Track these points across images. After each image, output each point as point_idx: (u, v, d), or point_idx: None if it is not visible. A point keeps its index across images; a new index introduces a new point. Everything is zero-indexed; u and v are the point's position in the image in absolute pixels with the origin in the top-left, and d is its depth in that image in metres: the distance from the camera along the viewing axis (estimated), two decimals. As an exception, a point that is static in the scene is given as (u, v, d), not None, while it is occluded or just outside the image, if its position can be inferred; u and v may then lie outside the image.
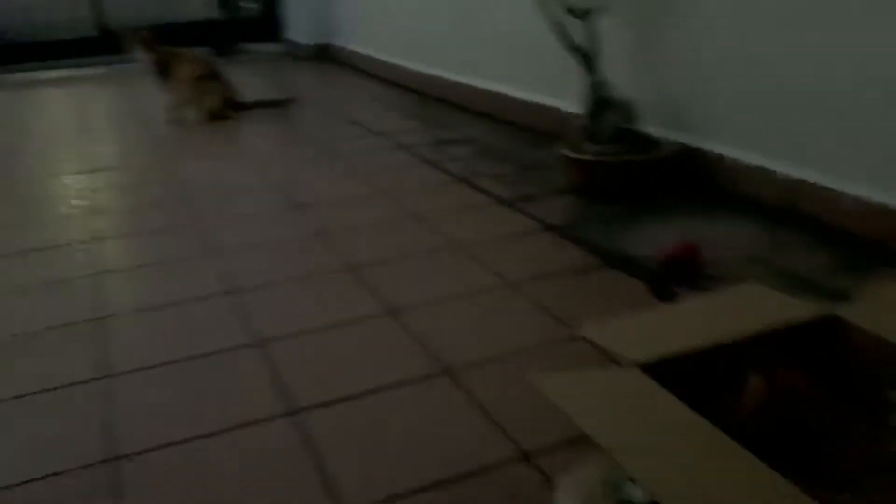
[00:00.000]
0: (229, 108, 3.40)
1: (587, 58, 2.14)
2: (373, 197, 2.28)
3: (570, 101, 2.62)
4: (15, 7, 4.88)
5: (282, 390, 1.30)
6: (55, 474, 1.12)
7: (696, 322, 1.21)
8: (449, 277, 1.71)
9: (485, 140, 2.85)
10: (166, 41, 3.46)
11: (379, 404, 1.25)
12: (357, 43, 4.63)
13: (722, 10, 2.00)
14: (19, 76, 5.06)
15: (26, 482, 1.11)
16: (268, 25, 5.55)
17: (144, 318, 1.61)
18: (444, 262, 1.80)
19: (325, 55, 5.06)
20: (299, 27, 5.23)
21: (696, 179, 2.14)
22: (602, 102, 2.12)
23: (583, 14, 2.12)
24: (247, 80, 4.24)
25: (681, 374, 1.06)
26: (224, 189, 2.45)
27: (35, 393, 1.34)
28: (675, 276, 1.60)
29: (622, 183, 2.11)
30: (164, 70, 3.38)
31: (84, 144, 3.14)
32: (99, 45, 5.12)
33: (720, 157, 2.07)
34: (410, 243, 1.91)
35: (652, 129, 2.18)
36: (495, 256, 1.80)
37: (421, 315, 1.54)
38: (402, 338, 1.46)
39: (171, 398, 1.31)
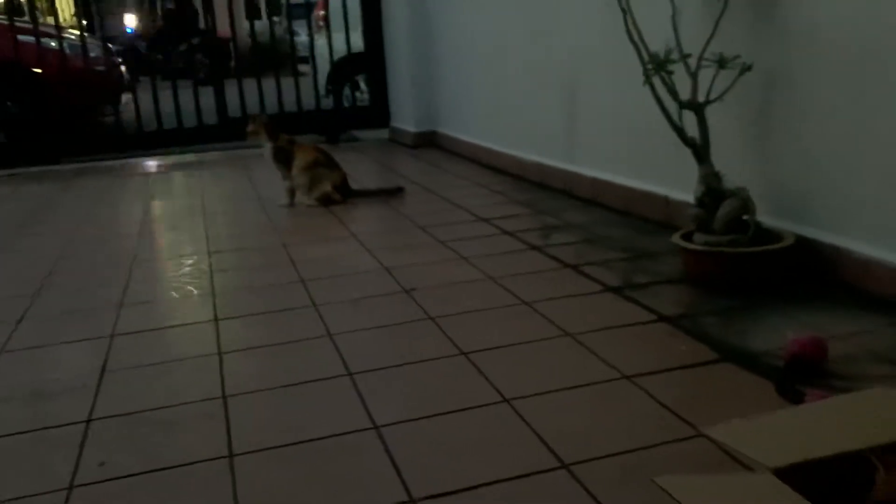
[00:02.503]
0: (341, 195, 3.56)
1: (699, 149, 2.14)
2: (481, 282, 2.31)
3: (678, 189, 2.62)
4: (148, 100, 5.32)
5: (399, 479, 1.31)
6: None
7: (827, 427, 1.17)
8: (562, 367, 1.71)
9: (591, 227, 2.86)
10: (282, 128, 3.68)
11: (496, 498, 1.24)
12: (461, 130, 4.78)
13: (839, 99, 1.98)
14: (149, 161, 5.46)
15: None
16: (376, 113, 5.81)
17: (263, 399, 1.67)
18: (556, 351, 1.79)
19: (431, 142, 5.23)
20: (406, 115, 5.45)
21: (812, 272, 2.08)
22: (715, 192, 2.11)
23: (696, 106, 2.14)
24: (356, 166, 4.44)
25: (813, 480, 1.02)
26: (336, 272, 2.54)
27: (163, 469, 1.40)
28: (801, 375, 1.54)
29: (737, 274, 2.07)
30: (282, 156, 3.58)
31: (203, 226, 3.32)
32: (219, 133, 5.48)
33: (837, 249, 2.01)
34: (521, 331, 1.91)
35: (766, 219, 2.14)
36: (608, 346, 1.78)
37: (536, 405, 1.53)
38: (518, 428, 1.45)
39: (290, 481, 1.34)
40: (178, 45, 8.46)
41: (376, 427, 1.49)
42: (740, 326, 1.85)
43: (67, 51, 5.64)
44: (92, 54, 6.05)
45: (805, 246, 2.08)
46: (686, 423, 1.43)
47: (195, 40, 8.06)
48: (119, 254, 2.93)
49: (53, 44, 5.59)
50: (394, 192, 3.69)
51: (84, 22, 7.24)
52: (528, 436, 1.42)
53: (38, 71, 5.64)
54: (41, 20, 6.10)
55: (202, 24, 5.83)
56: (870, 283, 1.93)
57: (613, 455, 1.34)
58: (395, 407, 1.57)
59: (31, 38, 5.39)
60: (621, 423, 1.46)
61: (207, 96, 5.44)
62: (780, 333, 1.74)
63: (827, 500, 0.95)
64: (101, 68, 6.25)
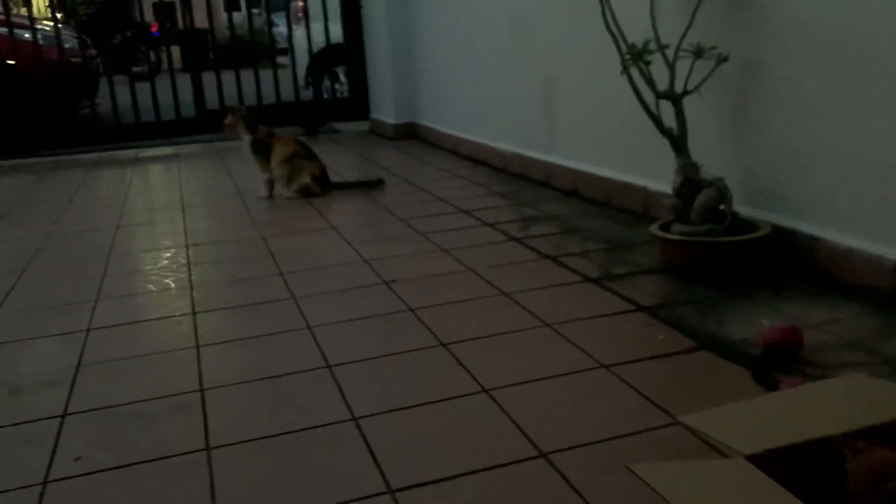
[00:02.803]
0: (321, 187, 3.54)
1: (677, 139, 2.15)
2: (461, 274, 2.31)
3: (656, 179, 2.63)
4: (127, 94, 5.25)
5: (378, 470, 1.31)
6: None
7: (801, 413, 1.18)
8: (541, 357, 1.71)
9: (570, 218, 2.86)
10: (261, 121, 3.65)
11: (475, 488, 1.25)
12: (442, 122, 4.77)
13: (815, 88, 1.99)
14: (126, 154, 5.41)
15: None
16: (356, 105, 5.78)
17: (241, 392, 1.66)
18: (536, 341, 1.80)
19: (411, 133, 5.22)
20: (386, 106, 5.43)
21: (789, 261, 2.09)
22: (692, 183, 2.12)
23: (673, 97, 2.15)
24: (336, 158, 4.42)
25: (788, 467, 1.03)
26: (315, 264, 2.53)
27: (139, 463, 1.39)
28: (776, 363, 1.56)
29: (714, 264, 2.08)
30: (260, 148, 3.56)
31: (181, 219, 3.30)
32: (197, 125, 5.43)
33: (813, 239, 2.03)
34: (500, 321, 1.92)
35: (742, 209, 2.16)
36: (587, 336, 1.79)
37: (514, 395, 1.54)
38: (497, 418, 1.45)
39: (269, 473, 1.33)
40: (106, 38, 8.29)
41: (355, 419, 1.49)
42: (717, 315, 1.86)
43: (42, 42, 5.56)
44: (67, 45, 5.96)
45: (781, 235, 2.10)
46: (663, 411, 1.44)
47: (128, 33, 7.89)
48: (96, 247, 2.90)
49: (27, 35, 5.51)
50: (374, 185, 3.68)
51: (59, 13, 7.12)
52: (507, 426, 1.42)
53: (12, 63, 5.56)
54: (14, 11, 6.01)
55: (180, 19, 5.71)
56: (845, 272, 1.95)
57: (591, 444, 1.34)
58: (374, 398, 1.57)
59: (4, 30, 5.31)
60: (599, 411, 1.46)
61: (185, 89, 5.38)
62: (756, 322, 1.76)
63: (802, 485, 0.96)
64: (76, 60, 6.17)
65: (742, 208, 2.15)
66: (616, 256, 2.37)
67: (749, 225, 2.11)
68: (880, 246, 1.86)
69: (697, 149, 2.16)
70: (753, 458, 1.03)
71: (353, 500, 1.23)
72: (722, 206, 2.09)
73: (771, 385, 1.47)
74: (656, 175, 2.62)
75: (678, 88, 2.16)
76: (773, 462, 1.01)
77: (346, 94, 6.01)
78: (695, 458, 1.25)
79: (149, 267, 2.64)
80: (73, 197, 4.00)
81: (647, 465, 1.03)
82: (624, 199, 2.88)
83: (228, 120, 3.61)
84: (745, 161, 2.26)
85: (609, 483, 1.22)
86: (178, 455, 1.41)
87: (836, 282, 1.96)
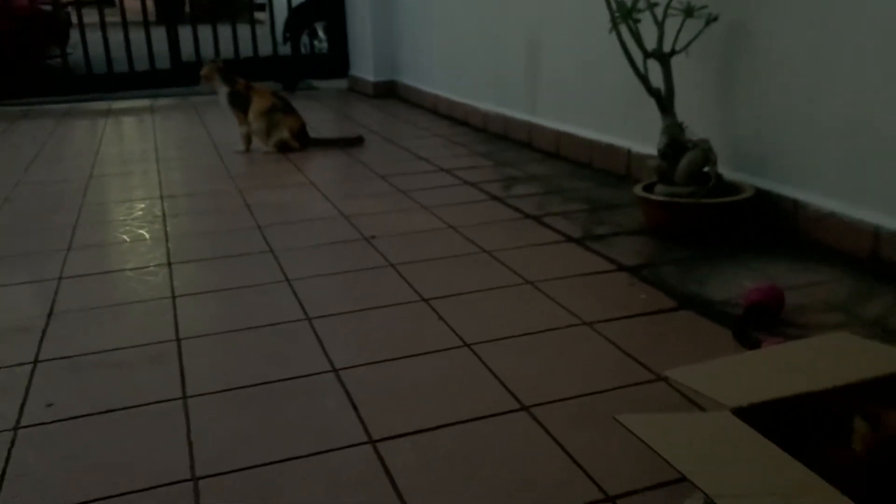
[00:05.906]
0: (299, 142, 3.48)
1: (664, 100, 2.13)
2: (442, 231, 2.29)
3: (639, 141, 2.61)
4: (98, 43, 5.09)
5: (359, 420, 1.30)
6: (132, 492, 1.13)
7: (788, 369, 1.18)
8: (523, 313, 1.70)
9: (552, 178, 2.84)
10: (237, 75, 3.57)
11: (456, 439, 1.24)
12: (423, 80, 4.70)
13: (800, 52, 1.98)
14: (98, 105, 5.27)
15: (106, 497, 1.12)
16: (335, 62, 5.68)
17: (219, 342, 1.63)
18: (517, 298, 1.79)
19: (391, 92, 5.15)
20: (365, 64, 5.34)
21: (771, 224, 2.10)
22: (677, 144, 2.10)
23: (661, 56, 2.12)
24: (314, 115, 4.35)
25: (772, 421, 1.03)
26: (293, 218, 2.49)
27: (113, 410, 1.36)
28: (757, 322, 1.56)
29: (697, 225, 2.08)
30: (238, 101, 3.48)
31: (155, 171, 3.23)
32: (172, 77, 5.30)
33: (795, 202, 2.03)
34: (481, 278, 1.90)
35: (727, 171, 2.15)
36: (569, 295, 1.78)
37: (496, 350, 1.52)
38: (478, 372, 1.44)
39: (247, 423, 1.31)
40: None
41: (335, 370, 1.47)
42: (699, 276, 1.86)
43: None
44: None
45: (764, 198, 2.10)
46: (645, 367, 1.43)
47: None
48: (68, 197, 2.84)
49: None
50: (353, 142, 3.63)
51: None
52: (489, 379, 1.41)
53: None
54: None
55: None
56: (826, 236, 1.96)
57: (573, 398, 1.34)
58: (354, 351, 1.55)
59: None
60: (582, 367, 1.46)
61: (160, 43, 5.23)
62: (737, 283, 1.76)
63: (792, 443, 0.96)
64: (47, 7, 5.98)
65: (726, 170, 2.15)
66: (598, 217, 2.36)
67: (733, 187, 2.10)
68: (860, 211, 1.87)
69: (683, 110, 2.14)
70: (738, 412, 1.02)
71: (333, 450, 1.21)
72: (706, 168, 2.08)
73: (752, 344, 1.48)
74: (639, 137, 2.61)
75: (666, 48, 2.13)
76: (759, 417, 1.01)
77: (324, 51, 5.90)
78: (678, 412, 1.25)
79: (122, 217, 2.58)
80: (43, 147, 3.89)
81: (632, 416, 1.02)
82: (607, 160, 2.86)
83: (205, 71, 3.53)
84: (731, 123, 2.25)
85: (589, 436, 1.22)
86: (154, 403, 1.38)
87: (818, 245, 1.97)
